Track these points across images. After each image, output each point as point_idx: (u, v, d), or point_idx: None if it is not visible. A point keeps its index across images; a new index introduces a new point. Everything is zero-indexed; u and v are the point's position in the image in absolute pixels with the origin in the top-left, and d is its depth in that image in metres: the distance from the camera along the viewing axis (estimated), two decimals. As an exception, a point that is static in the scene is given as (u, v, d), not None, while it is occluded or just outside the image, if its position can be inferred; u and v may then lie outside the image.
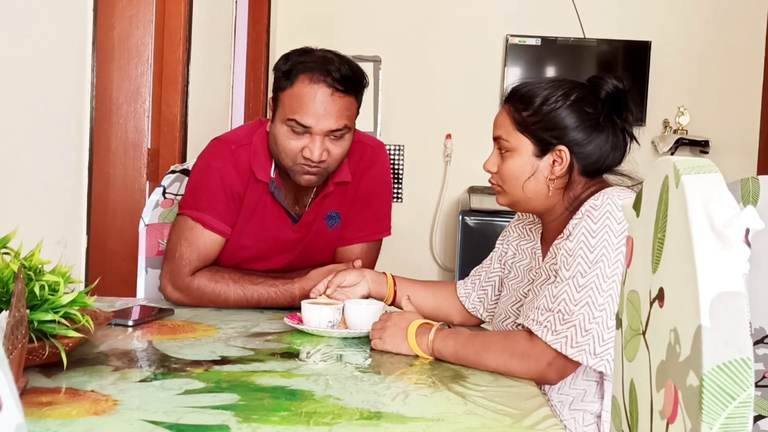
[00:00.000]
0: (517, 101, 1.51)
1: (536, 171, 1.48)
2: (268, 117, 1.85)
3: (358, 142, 1.86)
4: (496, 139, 1.54)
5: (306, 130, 1.72)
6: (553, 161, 1.48)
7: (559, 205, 1.51)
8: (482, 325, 1.78)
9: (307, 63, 1.72)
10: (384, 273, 1.76)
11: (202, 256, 1.84)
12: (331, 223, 1.92)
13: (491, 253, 1.75)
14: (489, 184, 1.59)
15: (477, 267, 1.78)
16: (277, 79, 1.76)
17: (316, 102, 1.70)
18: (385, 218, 1.98)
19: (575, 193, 1.50)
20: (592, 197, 1.43)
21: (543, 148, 1.48)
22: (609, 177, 1.54)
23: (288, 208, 1.89)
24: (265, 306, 1.82)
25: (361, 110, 1.82)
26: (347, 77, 1.72)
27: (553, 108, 1.47)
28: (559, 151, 1.47)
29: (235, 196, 1.85)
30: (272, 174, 1.85)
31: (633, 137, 1.53)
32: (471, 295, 1.75)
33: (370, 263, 1.96)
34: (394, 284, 1.75)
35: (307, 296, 1.77)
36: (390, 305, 1.74)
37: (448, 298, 1.77)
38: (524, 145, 1.49)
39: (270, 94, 1.83)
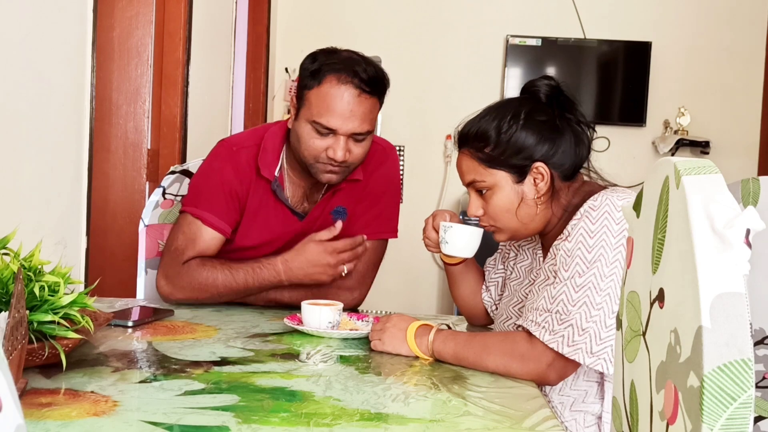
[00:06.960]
0: (473, 141, 1.50)
1: (523, 196, 1.48)
2: (289, 114, 1.86)
3: None
4: (470, 184, 1.53)
5: (331, 131, 1.74)
6: (534, 180, 1.48)
7: (553, 216, 1.52)
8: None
9: (334, 63, 1.74)
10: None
11: (198, 251, 1.83)
12: (337, 217, 1.92)
13: (495, 253, 1.75)
14: None
15: (487, 260, 1.77)
16: (304, 78, 1.78)
17: (343, 102, 1.72)
18: (391, 219, 1.99)
19: (565, 200, 1.50)
20: (590, 198, 1.43)
21: (520, 172, 1.48)
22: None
23: (292, 206, 1.89)
24: (253, 286, 1.81)
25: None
26: (373, 78, 1.75)
27: (511, 133, 1.47)
28: (537, 168, 1.47)
29: (235, 195, 1.86)
30: (277, 173, 1.86)
31: (588, 125, 1.52)
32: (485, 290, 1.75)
33: (373, 263, 1.96)
34: None
35: (290, 270, 1.78)
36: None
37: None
38: (502, 178, 1.48)
39: (293, 92, 1.84)
